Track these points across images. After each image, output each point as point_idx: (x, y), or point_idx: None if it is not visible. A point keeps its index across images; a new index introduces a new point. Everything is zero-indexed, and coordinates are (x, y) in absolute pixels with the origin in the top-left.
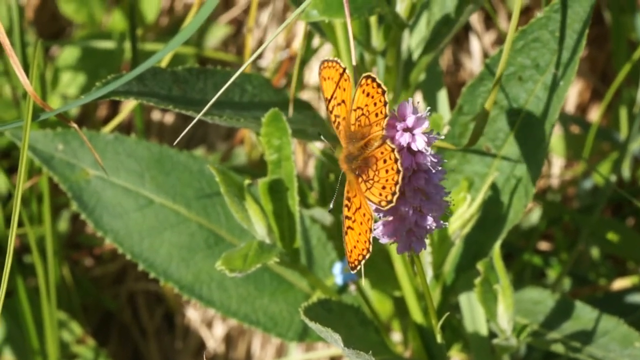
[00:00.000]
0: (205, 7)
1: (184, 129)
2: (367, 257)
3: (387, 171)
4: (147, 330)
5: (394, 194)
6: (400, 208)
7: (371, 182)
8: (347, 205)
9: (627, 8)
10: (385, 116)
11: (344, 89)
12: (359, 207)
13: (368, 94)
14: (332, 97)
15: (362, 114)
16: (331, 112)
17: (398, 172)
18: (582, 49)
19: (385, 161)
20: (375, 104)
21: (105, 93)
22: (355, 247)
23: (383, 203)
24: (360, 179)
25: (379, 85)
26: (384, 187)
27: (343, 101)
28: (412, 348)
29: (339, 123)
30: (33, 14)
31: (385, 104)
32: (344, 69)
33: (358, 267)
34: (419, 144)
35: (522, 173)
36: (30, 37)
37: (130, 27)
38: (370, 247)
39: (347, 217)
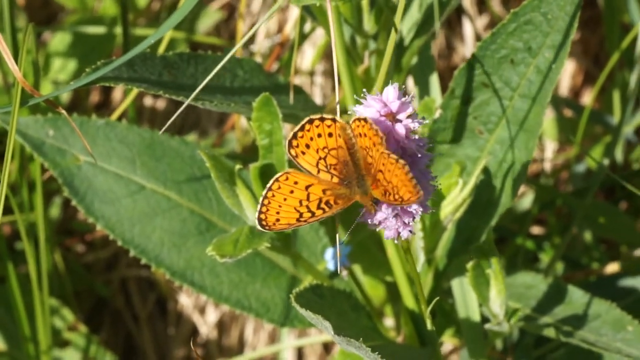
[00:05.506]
0: None
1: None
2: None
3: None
4: (140, 316)
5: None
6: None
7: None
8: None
9: None
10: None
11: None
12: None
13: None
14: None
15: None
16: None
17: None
18: (574, 32)
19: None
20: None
21: (94, 79)
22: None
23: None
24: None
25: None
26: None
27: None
28: (405, 333)
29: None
30: None
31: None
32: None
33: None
34: (399, 132)
35: (515, 157)
36: (21, 22)
37: (122, 12)
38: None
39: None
